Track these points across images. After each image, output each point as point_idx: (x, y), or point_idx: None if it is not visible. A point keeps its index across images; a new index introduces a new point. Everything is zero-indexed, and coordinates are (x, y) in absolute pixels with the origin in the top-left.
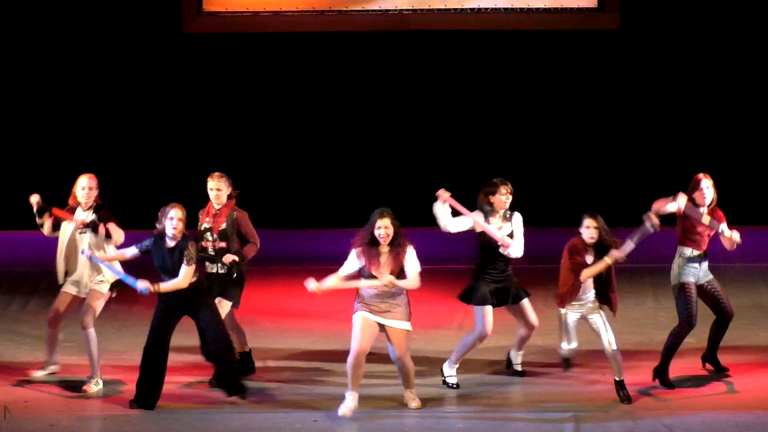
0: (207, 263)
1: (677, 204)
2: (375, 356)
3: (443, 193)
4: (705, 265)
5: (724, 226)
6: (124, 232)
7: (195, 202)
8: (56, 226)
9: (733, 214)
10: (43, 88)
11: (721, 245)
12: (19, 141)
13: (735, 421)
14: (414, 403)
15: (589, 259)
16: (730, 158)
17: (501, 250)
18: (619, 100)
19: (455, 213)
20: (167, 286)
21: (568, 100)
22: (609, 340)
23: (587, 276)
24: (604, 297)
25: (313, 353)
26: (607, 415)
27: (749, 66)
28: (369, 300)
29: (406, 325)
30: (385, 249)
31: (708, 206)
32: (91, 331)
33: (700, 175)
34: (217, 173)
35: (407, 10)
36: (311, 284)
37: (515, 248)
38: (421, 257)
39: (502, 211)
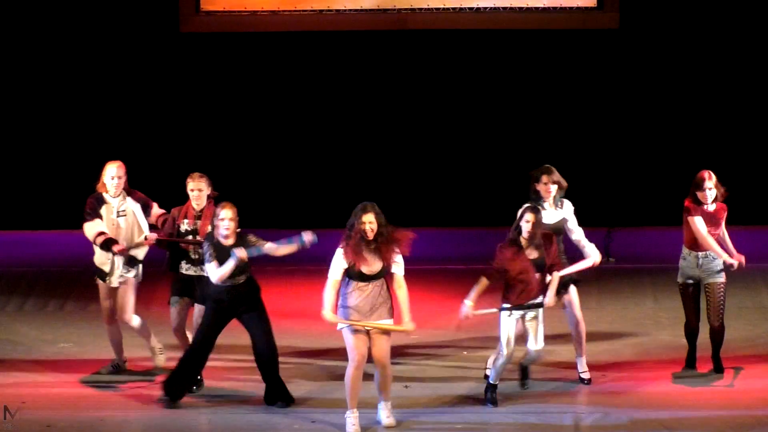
0: (185, 265)
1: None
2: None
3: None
4: (710, 264)
5: (726, 257)
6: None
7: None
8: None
9: (733, 214)
10: (39, 86)
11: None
12: (12, 140)
13: (734, 420)
14: (388, 420)
15: (532, 254)
16: (730, 158)
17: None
18: (619, 100)
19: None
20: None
21: (567, 99)
22: (537, 340)
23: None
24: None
25: (310, 353)
26: (606, 416)
27: (749, 65)
28: (353, 305)
29: (390, 322)
30: (371, 245)
31: (711, 203)
32: (134, 318)
33: (705, 174)
34: (197, 173)
35: (406, 9)
36: (328, 315)
37: (594, 252)
38: (418, 258)
39: (551, 199)
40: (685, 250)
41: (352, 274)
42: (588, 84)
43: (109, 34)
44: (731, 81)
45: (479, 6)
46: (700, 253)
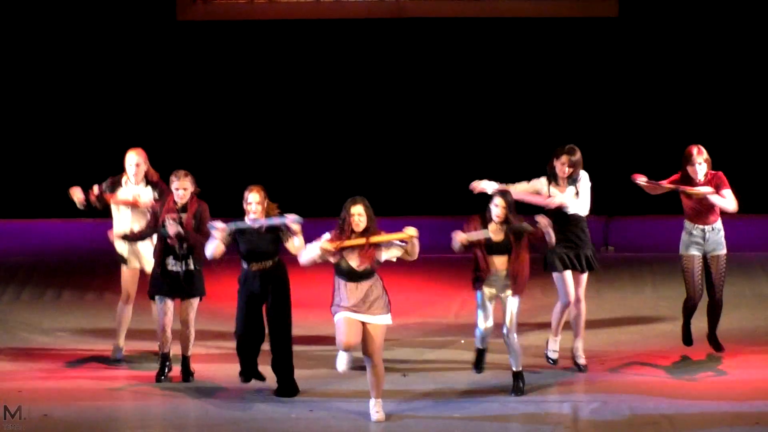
0: (171, 261)
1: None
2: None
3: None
4: (713, 237)
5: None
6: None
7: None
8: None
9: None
10: (35, 76)
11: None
12: (8, 129)
13: (732, 410)
14: (378, 416)
15: (497, 235)
16: (729, 146)
17: (550, 207)
18: (618, 88)
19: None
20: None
21: (566, 87)
22: (508, 327)
23: (462, 240)
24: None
25: (307, 341)
26: (605, 405)
27: (748, 54)
28: (347, 304)
29: (387, 319)
30: (360, 238)
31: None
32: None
33: (693, 150)
34: (182, 171)
35: None
36: (325, 245)
37: (573, 204)
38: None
39: (565, 178)
40: (688, 224)
41: (341, 273)
42: (587, 72)
43: (106, 22)
44: (730, 69)
45: None
46: (706, 227)
